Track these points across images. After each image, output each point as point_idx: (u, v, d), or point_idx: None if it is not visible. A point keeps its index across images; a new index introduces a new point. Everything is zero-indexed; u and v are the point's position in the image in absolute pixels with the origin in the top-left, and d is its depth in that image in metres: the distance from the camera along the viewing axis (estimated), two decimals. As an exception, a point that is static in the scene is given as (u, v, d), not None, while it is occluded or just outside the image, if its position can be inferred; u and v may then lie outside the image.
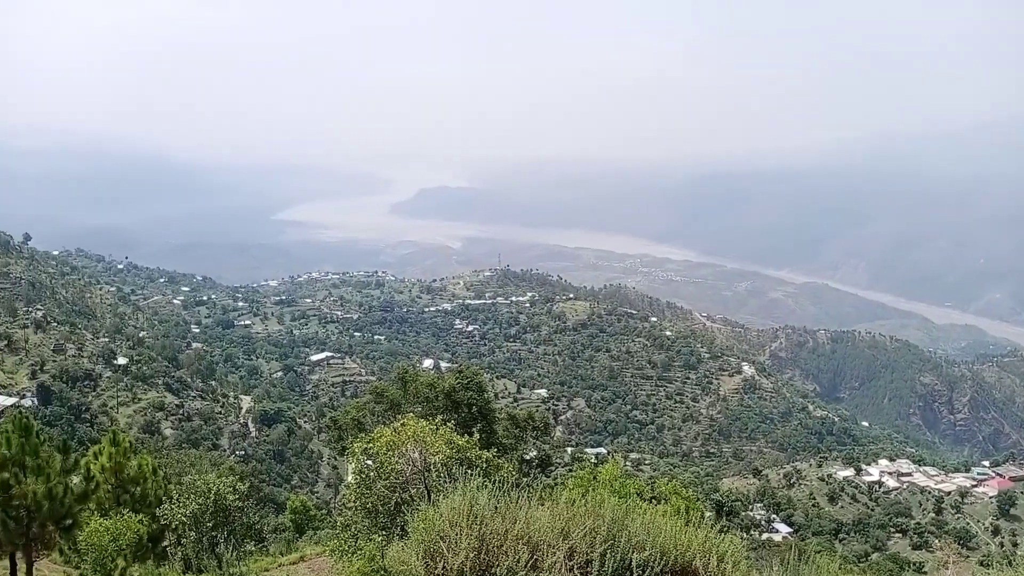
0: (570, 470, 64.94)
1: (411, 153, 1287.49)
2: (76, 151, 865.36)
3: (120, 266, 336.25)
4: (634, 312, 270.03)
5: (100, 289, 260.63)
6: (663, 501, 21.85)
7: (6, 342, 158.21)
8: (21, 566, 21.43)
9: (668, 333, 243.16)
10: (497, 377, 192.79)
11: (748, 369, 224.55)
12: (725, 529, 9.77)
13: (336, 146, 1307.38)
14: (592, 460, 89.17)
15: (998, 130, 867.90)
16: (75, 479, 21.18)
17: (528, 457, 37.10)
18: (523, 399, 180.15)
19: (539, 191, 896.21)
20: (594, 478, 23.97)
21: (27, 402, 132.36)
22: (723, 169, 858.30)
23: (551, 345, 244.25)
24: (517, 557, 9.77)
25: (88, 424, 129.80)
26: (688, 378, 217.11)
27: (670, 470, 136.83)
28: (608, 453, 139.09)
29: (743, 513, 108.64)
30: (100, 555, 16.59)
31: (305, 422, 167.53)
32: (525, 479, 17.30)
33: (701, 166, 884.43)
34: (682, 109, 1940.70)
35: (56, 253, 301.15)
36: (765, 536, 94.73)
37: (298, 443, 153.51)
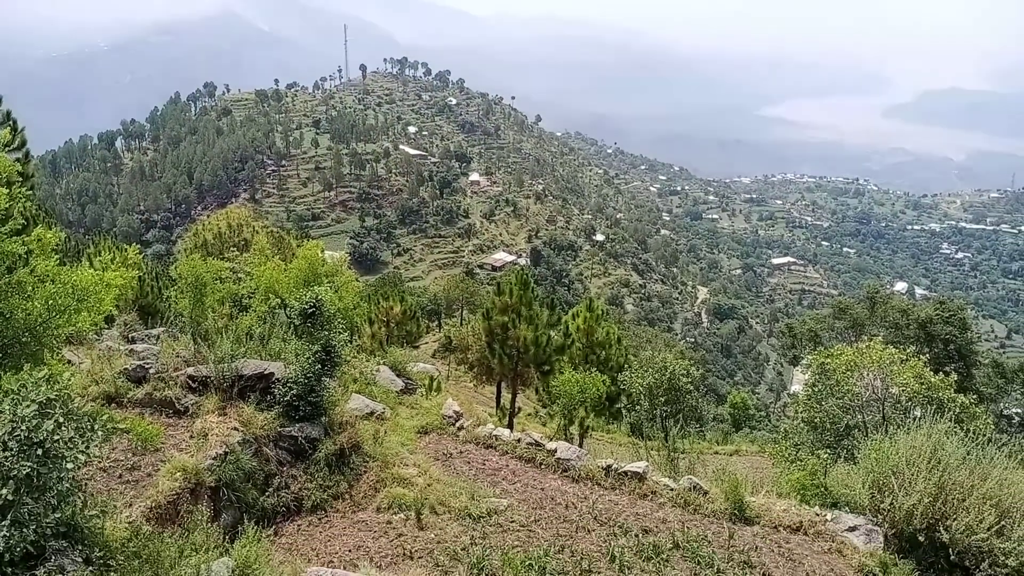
0: (1063, 440, 54.72)
1: (917, 48, 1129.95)
2: (582, 39, 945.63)
3: (609, 151, 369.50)
4: None
5: (590, 170, 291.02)
6: None
7: (512, 208, 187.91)
8: (505, 395, 26.17)
9: None
10: (984, 316, 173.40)
11: None
12: None
13: (832, 39, 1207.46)
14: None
15: None
16: (554, 333, 24.71)
17: (1009, 413, 32.37)
18: (1013, 347, 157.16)
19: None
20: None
21: (522, 261, 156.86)
22: None
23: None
24: (980, 517, 8.86)
25: (566, 288, 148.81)
26: None
27: None
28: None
29: None
30: (568, 401, 19.29)
31: (756, 323, 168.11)
32: (1003, 436, 15.21)
33: None
34: None
35: (559, 134, 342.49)
36: None
37: (747, 342, 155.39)
